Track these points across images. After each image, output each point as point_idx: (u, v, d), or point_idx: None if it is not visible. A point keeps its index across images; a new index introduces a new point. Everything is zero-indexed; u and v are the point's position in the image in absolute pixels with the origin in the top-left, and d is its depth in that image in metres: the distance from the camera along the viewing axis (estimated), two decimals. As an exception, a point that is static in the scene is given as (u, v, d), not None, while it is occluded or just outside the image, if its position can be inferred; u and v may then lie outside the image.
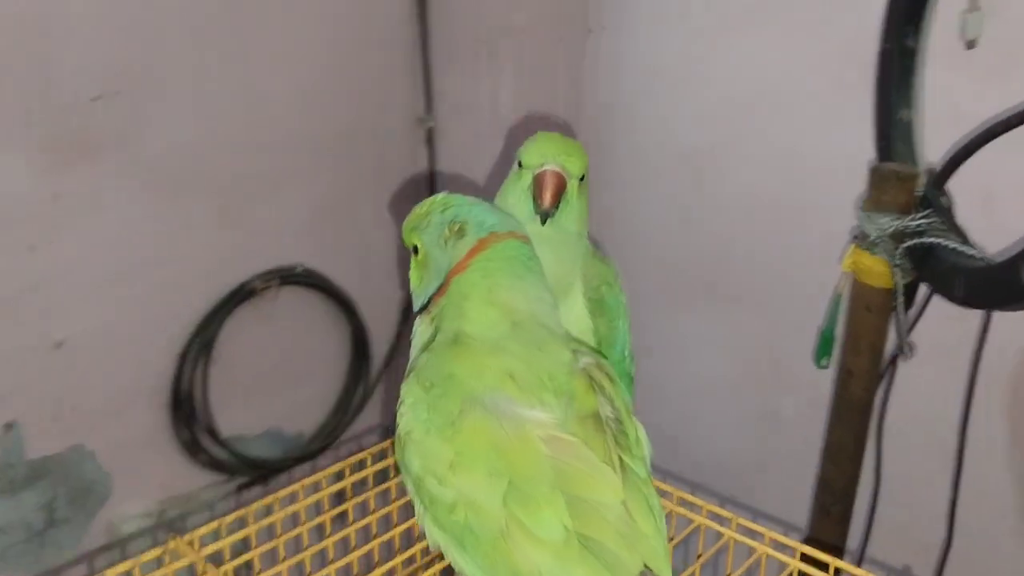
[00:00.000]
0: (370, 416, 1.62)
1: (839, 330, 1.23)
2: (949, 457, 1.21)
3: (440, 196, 0.79)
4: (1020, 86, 1.14)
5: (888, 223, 1.04)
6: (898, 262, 1.04)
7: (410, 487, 0.70)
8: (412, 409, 0.68)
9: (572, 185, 0.86)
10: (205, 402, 1.33)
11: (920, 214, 1.03)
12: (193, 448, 1.32)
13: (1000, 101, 1.15)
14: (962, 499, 1.22)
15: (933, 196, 1.03)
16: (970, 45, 1.09)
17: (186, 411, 1.30)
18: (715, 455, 1.66)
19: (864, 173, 1.24)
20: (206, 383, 1.32)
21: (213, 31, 1.25)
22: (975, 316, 1.15)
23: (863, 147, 1.28)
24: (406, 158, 1.58)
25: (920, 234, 1.03)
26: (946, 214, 1.03)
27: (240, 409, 1.40)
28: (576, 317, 0.88)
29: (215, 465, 1.35)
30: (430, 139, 1.62)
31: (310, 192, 1.43)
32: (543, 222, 0.86)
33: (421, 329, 0.78)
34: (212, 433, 1.33)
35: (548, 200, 0.85)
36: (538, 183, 0.86)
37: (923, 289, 1.15)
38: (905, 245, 1.04)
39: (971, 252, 1.00)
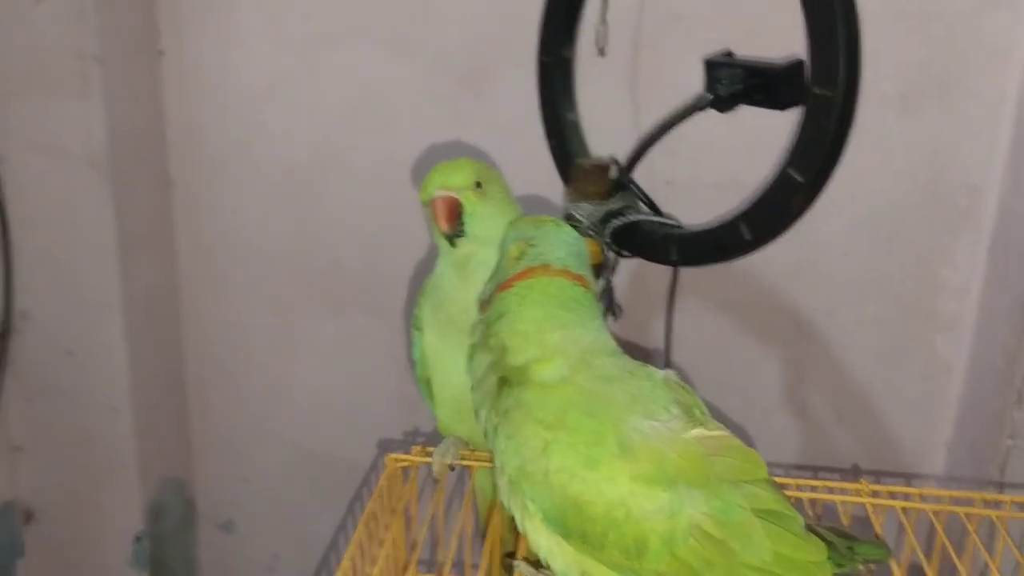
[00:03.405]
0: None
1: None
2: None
3: (552, 221, 0.85)
4: (632, 87, 1.39)
5: (595, 209, 1.17)
6: (607, 240, 1.19)
7: (544, 530, 0.73)
8: (550, 448, 0.70)
9: (467, 197, 0.89)
10: None
11: (617, 197, 1.19)
12: None
13: (630, 99, 1.39)
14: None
15: (626, 182, 1.20)
16: (601, 52, 1.29)
17: None
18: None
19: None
20: None
21: None
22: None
23: (456, 147, 1.50)
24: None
25: (622, 214, 1.18)
26: (641, 195, 1.20)
27: None
28: None
29: None
30: (-3, 180, 1.36)
31: None
32: (452, 244, 0.93)
33: (477, 343, 0.81)
34: None
35: (444, 224, 0.91)
36: (432, 213, 0.92)
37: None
38: (612, 226, 1.18)
39: (672, 222, 1.18)
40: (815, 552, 0.70)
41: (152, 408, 1.60)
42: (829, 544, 0.71)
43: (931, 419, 1.54)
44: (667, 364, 1.30)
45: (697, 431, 0.71)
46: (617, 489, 0.68)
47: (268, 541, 1.80)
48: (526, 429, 0.72)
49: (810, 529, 0.71)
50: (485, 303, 0.83)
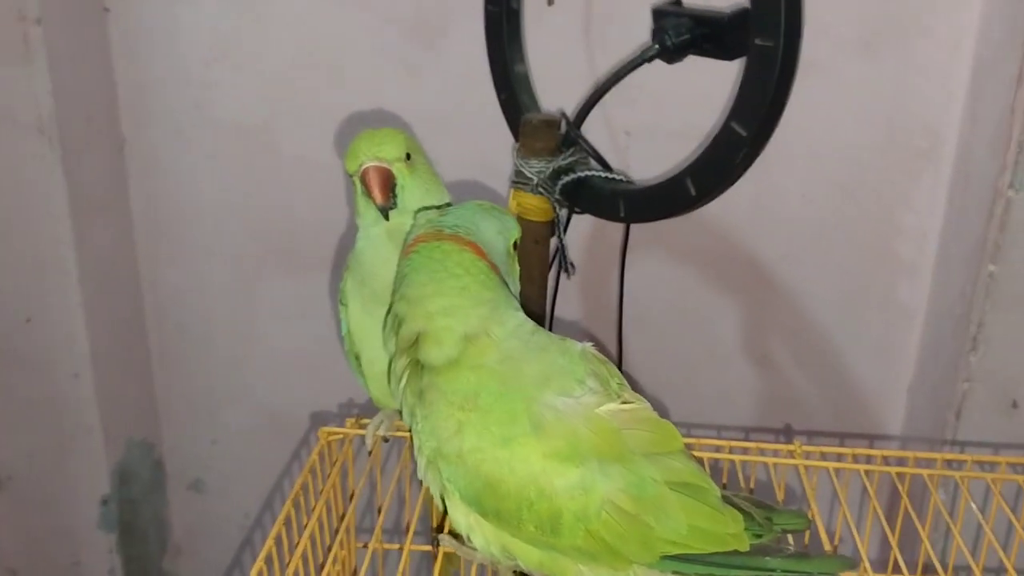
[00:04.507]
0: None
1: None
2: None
3: (477, 203, 0.83)
4: (587, 35, 1.36)
5: (544, 166, 1.15)
6: (558, 197, 1.17)
7: (462, 508, 0.72)
8: (464, 429, 0.69)
9: (399, 169, 0.88)
10: None
11: (567, 153, 1.17)
12: None
13: (585, 50, 1.36)
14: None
15: (575, 137, 1.18)
16: (550, 2, 1.27)
17: None
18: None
19: (418, 123, 1.45)
20: None
21: None
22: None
23: (409, 100, 1.47)
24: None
25: (572, 170, 1.17)
26: (590, 150, 1.19)
27: None
28: None
29: None
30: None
31: None
32: (386, 217, 0.89)
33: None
34: None
35: (378, 197, 0.88)
36: (364, 185, 0.89)
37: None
38: (562, 182, 1.17)
39: (621, 178, 1.17)
40: (731, 523, 0.70)
41: (114, 372, 1.59)
42: (746, 515, 0.71)
43: (892, 364, 1.55)
44: (621, 318, 1.29)
45: (611, 405, 0.71)
46: (529, 467, 0.68)
47: (239, 500, 1.81)
48: (440, 410, 0.71)
49: (727, 500, 0.72)
50: None
